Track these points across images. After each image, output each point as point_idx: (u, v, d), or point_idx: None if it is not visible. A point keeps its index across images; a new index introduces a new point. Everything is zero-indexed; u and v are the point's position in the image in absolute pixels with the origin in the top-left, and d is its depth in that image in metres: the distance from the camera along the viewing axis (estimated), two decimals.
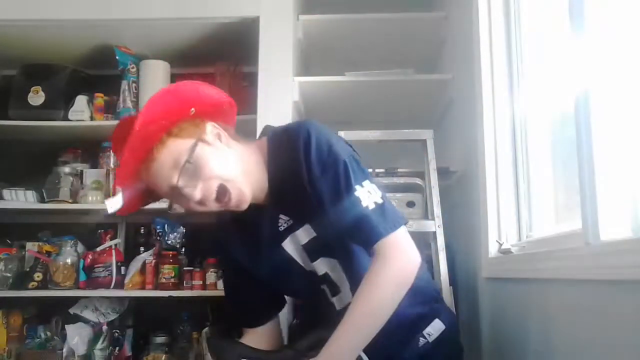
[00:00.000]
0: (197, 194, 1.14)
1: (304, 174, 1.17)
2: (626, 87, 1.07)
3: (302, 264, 1.29)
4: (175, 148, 1.14)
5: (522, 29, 1.79)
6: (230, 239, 1.36)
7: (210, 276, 2.31)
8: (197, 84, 1.21)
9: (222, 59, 2.59)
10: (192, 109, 1.17)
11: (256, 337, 1.38)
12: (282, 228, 1.27)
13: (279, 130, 1.28)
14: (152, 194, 1.23)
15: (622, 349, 0.98)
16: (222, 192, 1.16)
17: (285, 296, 1.50)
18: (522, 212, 1.73)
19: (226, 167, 1.17)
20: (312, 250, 1.27)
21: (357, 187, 1.16)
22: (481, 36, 1.88)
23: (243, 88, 2.56)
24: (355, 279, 1.22)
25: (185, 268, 2.37)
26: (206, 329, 2.16)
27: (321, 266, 1.28)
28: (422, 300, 1.32)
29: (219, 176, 1.16)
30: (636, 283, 0.91)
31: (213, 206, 1.17)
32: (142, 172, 1.16)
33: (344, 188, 1.15)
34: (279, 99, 2.26)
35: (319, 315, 1.36)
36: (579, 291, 1.16)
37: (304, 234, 1.26)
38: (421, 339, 1.29)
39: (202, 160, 1.14)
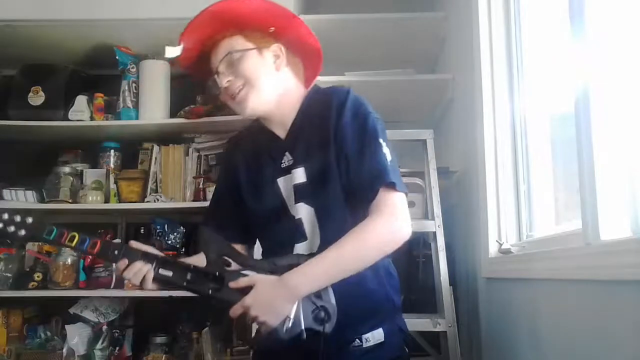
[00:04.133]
0: (223, 82, 1.31)
1: (332, 118, 1.28)
2: (626, 87, 1.07)
3: (287, 204, 1.34)
4: (236, 43, 1.31)
5: (522, 29, 1.79)
6: (239, 157, 1.44)
7: None
8: (300, 23, 1.36)
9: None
10: (273, 27, 1.33)
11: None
12: (284, 165, 1.34)
13: (328, 90, 1.38)
14: (203, 68, 1.36)
15: (622, 349, 0.98)
16: (240, 88, 1.31)
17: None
18: (522, 212, 1.73)
19: (256, 80, 1.31)
20: (299, 192, 1.32)
21: (382, 142, 1.26)
22: (481, 36, 1.88)
23: None
24: (327, 234, 1.27)
25: None
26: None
27: (300, 210, 1.32)
28: (377, 299, 1.30)
29: (246, 77, 1.31)
30: (636, 283, 0.91)
31: (226, 98, 1.34)
32: (206, 42, 1.33)
33: (372, 136, 1.26)
34: None
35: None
36: (579, 291, 1.16)
37: (299, 174, 1.32)
38: (357, 339, 1.26)
39: (244, 61, 1.30)
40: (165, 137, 2.57)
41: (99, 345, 2.33)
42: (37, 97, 2.49)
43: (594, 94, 1.11)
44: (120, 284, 2.35)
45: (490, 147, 1.82)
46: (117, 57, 2.50)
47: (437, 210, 1.95)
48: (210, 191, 2.40)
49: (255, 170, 1.40)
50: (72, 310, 2.40)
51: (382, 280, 1.31)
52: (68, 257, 2.39)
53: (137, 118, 2.47)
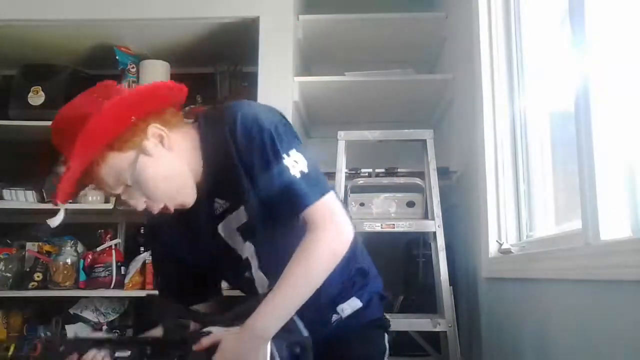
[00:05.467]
0: (140, 206, 1.16)
1: (233, 151, 1.16)
2: (626, 87, 1.07)
3: (235, 248, 1.29)
4: (116, 163, 1.12)
5: (522, 29, 1.79)
6: (163, 225, 1.34)
7: None
8: (134, 90, 1.19)
9: (222, 59, 2.58)
10: (133, 117, 1.13)
11: None
12: (218, 212, 1.26)
13: (209, 114, 1.26)
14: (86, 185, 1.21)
15: (622, 349, 0.98)
16: (166, 208, 1.18)
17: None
18: (522, 212, 1.73)
19: (169, 182, 1.16)
20: (245, 233, 1.27)
21: (284, 155, 1.15)
22: (481, 36, 1.88)
23: (243, 88, 2.56)
24: (269, 265, 1.25)
25: None
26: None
27: (246, 250, 1.29)
28: (343, 277, 1.30)
29: (162, 196, 1.16)
30: (636, 283, 0.91)
31: (157, 211, 1.19)
32: (84, 178, 1.14)
33: (272, 157, 1.14)
34: (279, 99, 2.26)
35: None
36: (579, 291, 1.16)
37: (238, 216, 1.25)
38: (334, 315, 1.29)
39: (143, 176, 1.13)
40: None
41: None
42: (37, 97, 2.49)
43: (594, 93, 1.11)
44: (120, 284, 2.35)
45: (490, 147, 1.82)
46: (117, 57, 2.50)
47: (437, 210, 1.95)
48: None
49: (188, 231, 1.31)
50: (72, 310, 2.40)
51: (350, 253, 1.24)
52: (68, 257, 2.39)
53: None
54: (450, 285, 1.88)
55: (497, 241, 1.75)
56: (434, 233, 1.95)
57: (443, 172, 2.14)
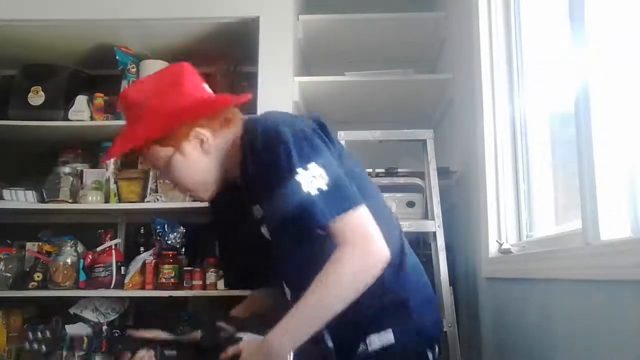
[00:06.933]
0: (167, 183, 1.32)
1: (256, 167, 1.17)
2: (626, 87, 1.07)
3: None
4: (155, 153, 1.25)
5: (522, 29, 1.79)
6: (224, 208, 1.39)
7: (210, 276, 2.31)
8: (194, 97, 1.24)
9: (222, 59, 2.58)
10: (182, 123, 1.23)
11: (256, 302, 1.43)
12: (258, 216, 1.28)
13: (249, 120, 1.25)
14: None
15: (622, 349, 0.98)
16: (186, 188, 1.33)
17: None
18: (522, 212, 1.73)
19: (191, 180, 1.28)
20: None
21: (300, 170, 1.09)
22: (481, 36, 1.88)
23: (243, 88, 2.55)
24: (289, 278, 1.27)
25: (185, 268, 2.36)
26: None
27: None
28: (383, 301, 1.20)
29: (180, 187, 1.32)
30: (636, 283, 0.91)
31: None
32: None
33: (285, 172, 1.10)
34: (279, 99, 2.26)
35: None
36: (579, 291, 1.16)
37: (265, 230, 1.27)
38: (361, 344, 1.18)
39: (172, 170, 1.26)
40: None
41: None
42: (37, 97, 2.49)
43: (594, 94, 1.11)
44: (120, 284, 2.35)
45: (490, 147, 1.82)
46: (117, 57, 2.50)
47: (437, 210, 1.95)
48: None
49: (239, 220, 1.35)
50: (72, 310, 2.40)
51: (390, 278, 1.18)
52: (68, 257, 2.39)
53: None
54: (450, 285, 1.88)
55: (497, 241, 1.75)
56: (434, 233, 1.95)
57: (443, 172, 2.13)
